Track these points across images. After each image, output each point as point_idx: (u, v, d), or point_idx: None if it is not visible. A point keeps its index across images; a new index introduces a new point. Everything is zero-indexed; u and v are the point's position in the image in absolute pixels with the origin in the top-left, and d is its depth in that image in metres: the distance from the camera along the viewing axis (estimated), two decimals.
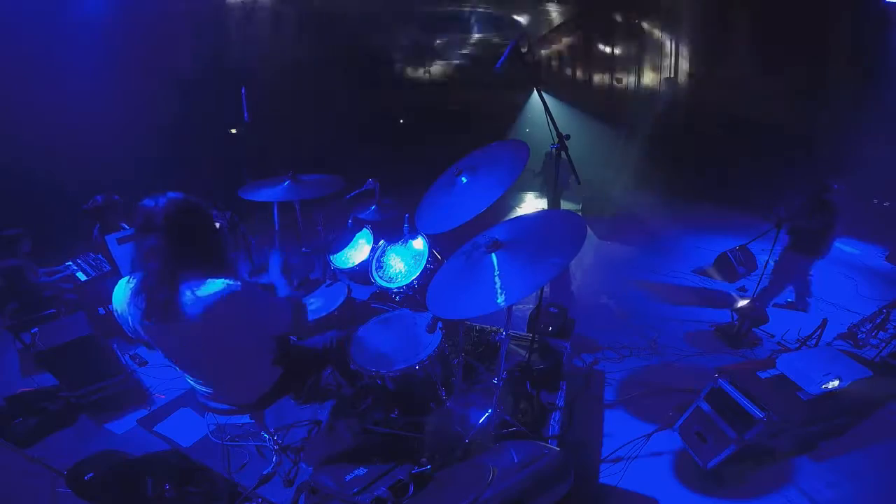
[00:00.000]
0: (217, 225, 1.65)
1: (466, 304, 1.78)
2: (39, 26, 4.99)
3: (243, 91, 2.82)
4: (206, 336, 1.57)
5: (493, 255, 1.77)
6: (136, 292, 1.54)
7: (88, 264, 3.71)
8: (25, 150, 5.03)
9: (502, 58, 2.02)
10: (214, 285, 1.51)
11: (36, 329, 3.04)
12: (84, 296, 3.63)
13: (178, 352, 1.67)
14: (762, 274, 3.69)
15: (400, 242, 2.94)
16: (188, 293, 1.49)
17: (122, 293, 1.60)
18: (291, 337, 2.20)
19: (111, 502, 1.96)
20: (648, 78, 8.37)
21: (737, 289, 4.42)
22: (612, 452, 2.45)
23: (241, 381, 1.82)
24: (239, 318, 1.57)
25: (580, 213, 6.81)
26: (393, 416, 2.31)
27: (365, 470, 1.95)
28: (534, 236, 1.86)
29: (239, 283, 1.55)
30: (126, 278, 1.61)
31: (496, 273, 1.72)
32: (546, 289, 3.12)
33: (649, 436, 2.54)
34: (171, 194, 1.53)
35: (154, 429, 2.67)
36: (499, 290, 1.66)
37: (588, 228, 2.23)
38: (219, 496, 2.13)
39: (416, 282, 2.67)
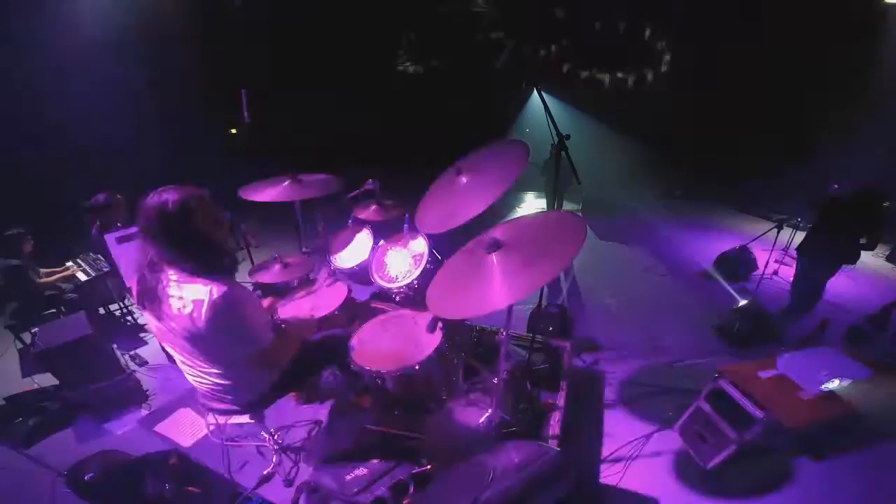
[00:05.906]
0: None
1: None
2: (39, 26, 5.00)
3: (243, 92, 2.82)
4: (192, 336, 1.58)
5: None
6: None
7: (88, 264, 3.71)
8: (26, 150, 5.04)
9: (502, 57, 2.01)
10: (197, 290, 1.50)
11: (36, 329, 3.04)
12: (84, 296, 3.64)
13: (174, 345, 1.68)
14: (762, 274, 3.68)
15: (400, 242, 2.94)
16: (174, 287, 1.53)
17: None
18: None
19: (111, 502, 1.96)
20: (648, 77, 8.38)
21: (737, 289, 4.43)
22: (612, 452, 2.45)
23: (240, 380, 1.82)
24: (220, 325, 1.53)
25: (580, 213, 6.82)
26: (393, 416, 2.31)
27: (365, 470, 1.95)
28: (528, 244, 1.64)
29: (226, 287, 1.51)
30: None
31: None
32: (545, 289, 3.13)
33: (649, 436, 2.54)
34: (171, 190, 1.51)
35: (154, 429, 2.67)
36: None
37: (588, 229, 2.21)
38: (219, 496, 2.13)
39: (416, 282, 2.67)
